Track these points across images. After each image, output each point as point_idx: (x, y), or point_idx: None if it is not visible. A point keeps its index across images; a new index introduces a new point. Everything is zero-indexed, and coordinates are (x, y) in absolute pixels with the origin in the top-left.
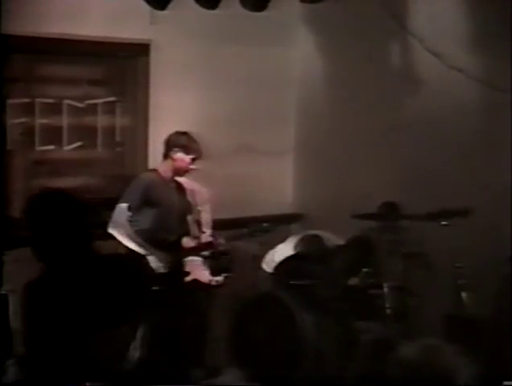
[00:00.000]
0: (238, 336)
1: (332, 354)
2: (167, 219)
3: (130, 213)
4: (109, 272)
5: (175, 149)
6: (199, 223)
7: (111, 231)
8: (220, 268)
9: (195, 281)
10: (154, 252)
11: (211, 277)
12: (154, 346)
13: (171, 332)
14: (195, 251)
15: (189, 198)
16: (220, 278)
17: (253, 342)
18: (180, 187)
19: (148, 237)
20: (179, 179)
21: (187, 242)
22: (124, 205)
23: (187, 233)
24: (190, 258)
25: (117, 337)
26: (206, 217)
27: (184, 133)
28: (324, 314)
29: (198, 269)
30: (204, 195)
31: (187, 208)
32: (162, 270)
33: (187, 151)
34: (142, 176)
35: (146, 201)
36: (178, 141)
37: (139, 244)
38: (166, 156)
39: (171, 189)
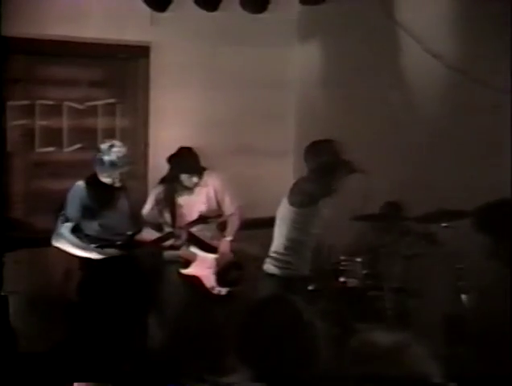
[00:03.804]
0: (246, 337)
1: (335, 354)
2: (114, 222)
3: (72, 223)
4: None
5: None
6: (222, 225)
7: (55, 243)
8: (228, 280)
9: (197, 278)
10: (106, 253)
11: (215, 285)
12: (158, 345)
13: (175, 331)
14: (155, 244)
15: (215, 198)
16: (224, 290)
17: (261, 343)
18: (123, 190)
19: (97, 242)
20: (211, 178)
21: (149, 234)
22: (65, 216)
23: (139, 230)
24: (202, 254)
25: (121, 337)
26: (232, 224)
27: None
28: (326, 316)
29: (204, 270)
30: (233, 202)
31: (132, 208)
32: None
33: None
34: (77, 184)
35: (86, 209)
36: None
37: (87, 250)
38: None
39: (109, 192)
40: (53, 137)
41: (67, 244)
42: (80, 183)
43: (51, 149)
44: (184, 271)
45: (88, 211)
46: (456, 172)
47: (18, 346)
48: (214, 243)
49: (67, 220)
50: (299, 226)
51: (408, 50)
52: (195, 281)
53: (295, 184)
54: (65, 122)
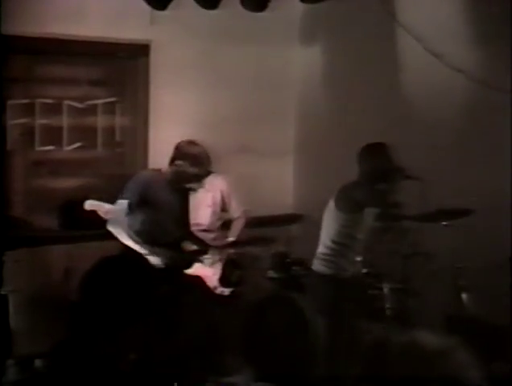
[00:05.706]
0: (248, 336)
1: (339, 354)
2: (163, 221)
3: (128, 211)
4: (114, 272)
5: (181, 161)
6: (226, 225)
7: (110, 228)
8: (231, 280)
9: (199, 278)
10: (152, 250)
11: (217, 285)
12: (161, 346)
13: (177, 331)
14: (194, 255)
15: (222, 201)
16: (227, 291)
17: (263, 343)
18: (182, 190)
19: (143, 237)
20: (218, 181)
21: (187, 246)
22: (123, 202)
23: (185, 236)
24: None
25: (120, 338)
26: (237, 226)
27: (196, 145)
28: (327, 315)
29: (207, 270)
30: (240, 205)
31: (186, 212)
32: (162, 267)
33: (192, 164)
34: (142, 173)
35: (144, 199)
36: (186, 153)
37: (137, 243)
38: (172, 162)
39: (171, 191)
40: (53, 135)
41: (122, 232)
42: (144, 172)
43: (50, 147)
44: (187, 271)
45: (142, 203)
46: (457, 172)
47: (17, 346)
48: (216, 243)
49: (125, 206)
50: (346, 230)
51: (409, 49)
52: (197, 281)
53: (344, 188)
54: (65, 121)
